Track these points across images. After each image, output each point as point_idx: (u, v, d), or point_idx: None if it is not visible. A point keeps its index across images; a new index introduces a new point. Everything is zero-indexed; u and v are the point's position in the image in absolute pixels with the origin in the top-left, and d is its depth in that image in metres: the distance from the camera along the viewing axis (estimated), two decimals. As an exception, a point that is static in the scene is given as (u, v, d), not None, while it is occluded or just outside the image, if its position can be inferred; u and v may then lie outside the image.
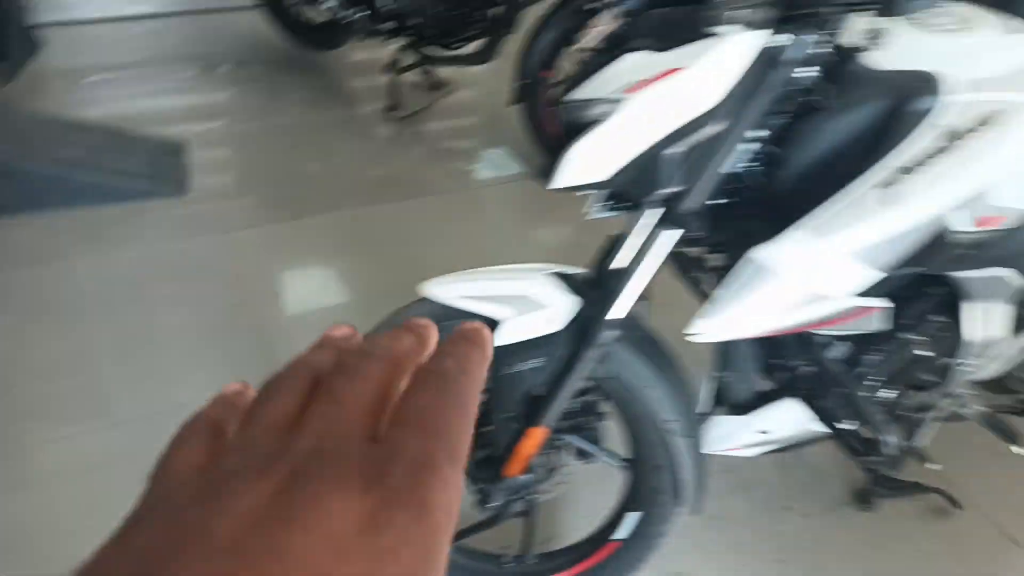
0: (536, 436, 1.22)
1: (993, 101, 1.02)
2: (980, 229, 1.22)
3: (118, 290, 2.04)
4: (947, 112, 1.02)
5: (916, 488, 1.84)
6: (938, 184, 0.99)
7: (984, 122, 1.01)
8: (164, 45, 3.28)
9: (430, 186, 2.61)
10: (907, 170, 0.99)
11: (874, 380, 1.45)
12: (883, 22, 1.11)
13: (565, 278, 1.21)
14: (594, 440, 1.41)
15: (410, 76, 2.91)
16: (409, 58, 2.83)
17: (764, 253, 1.03)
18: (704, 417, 1.47)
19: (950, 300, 1.48)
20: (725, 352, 1.44)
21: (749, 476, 1.81)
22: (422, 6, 2.68)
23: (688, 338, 1.10)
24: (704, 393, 1.48)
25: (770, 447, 1.54)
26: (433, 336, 0.29)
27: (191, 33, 3.41)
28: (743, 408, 1.50)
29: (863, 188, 1.00)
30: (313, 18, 3.16)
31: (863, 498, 1.80)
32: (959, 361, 1.52)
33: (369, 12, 2.72)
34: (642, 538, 1.37)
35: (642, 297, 1.21)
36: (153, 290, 2.06)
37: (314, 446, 0.24)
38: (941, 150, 1.00)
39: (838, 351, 1.43)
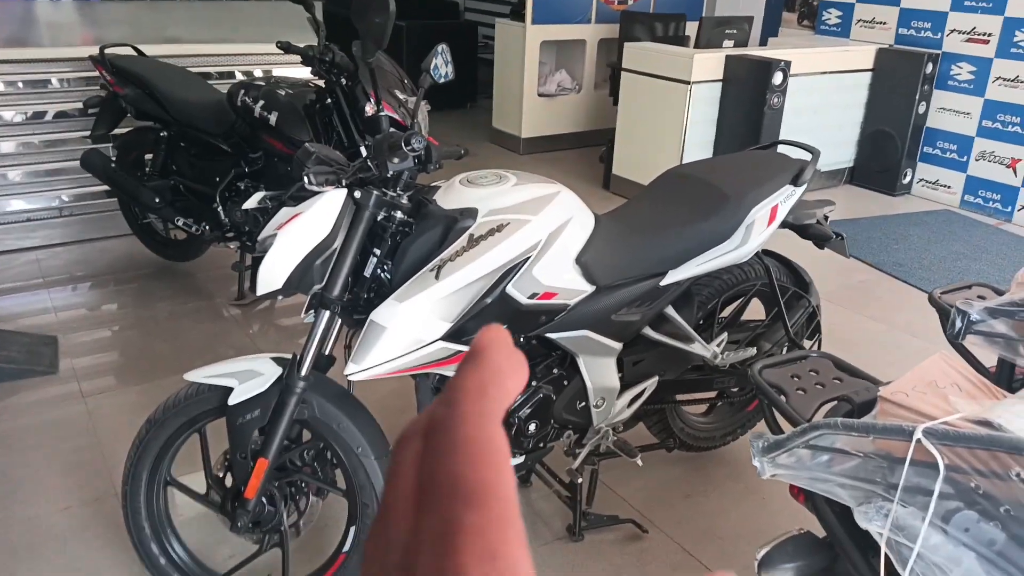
0: (262, 465, 1.79)
1: (502, 219, 1.77)
2: (541, 301, 1.94)
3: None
4: (477, 227, 1.76)
5: (613, 520, 2.41)
6: (462, 266, 1.70)
7: (497, 231, 1.75)
8: (50, 268, 3.96)
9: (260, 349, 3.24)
10: (447, 260, 1.71)
11: (523, 418, 2.07)
12: (455, 183, 1.88)
13: (279, 360, 1.85)
14: (330, 482, 1.97)
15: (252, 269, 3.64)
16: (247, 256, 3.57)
17: (375, 315, 1.70)
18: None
19: (575, 360, 2.15)
20: (419, 405, 2.05)
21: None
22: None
23: (347, 376, 1.73)
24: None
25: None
26: None
27: (75, 259, 4.10)
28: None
29: (423, 271, 1.71)
30: (177, 235, 3.92)
31: (573, 531, 2.35)
32: (592, 404, 2.17)
33: (210, 224, 3.49)
34: (360, 547, 1.90)
35: (330, 359, 1.86)
36: (21, 440, 2.58)
37: None
38: (466, 247, 1.72)
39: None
